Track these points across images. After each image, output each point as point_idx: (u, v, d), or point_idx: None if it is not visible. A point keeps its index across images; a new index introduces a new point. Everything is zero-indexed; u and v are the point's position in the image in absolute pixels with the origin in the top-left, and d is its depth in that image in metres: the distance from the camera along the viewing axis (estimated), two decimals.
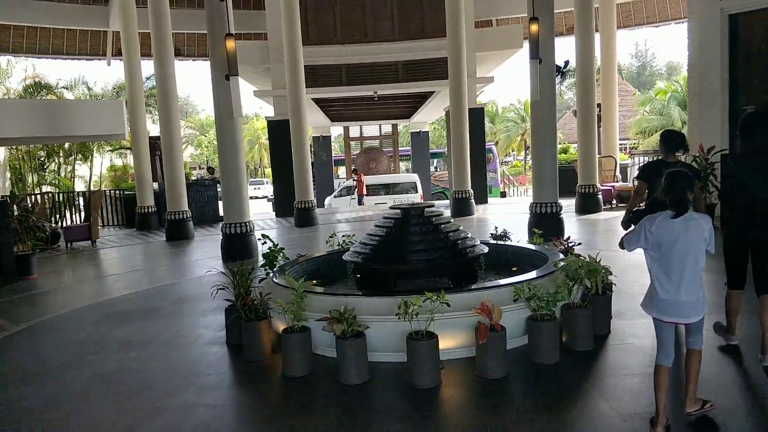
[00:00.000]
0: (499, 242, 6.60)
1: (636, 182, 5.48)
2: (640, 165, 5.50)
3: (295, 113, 13.78)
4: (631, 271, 6.61)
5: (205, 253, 10.75)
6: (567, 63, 9.74)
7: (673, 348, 3.24)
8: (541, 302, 4.28)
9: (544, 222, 9.48)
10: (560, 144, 29.88)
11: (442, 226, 5.59)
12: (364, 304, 4.44)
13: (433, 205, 5.82)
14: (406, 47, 16.15)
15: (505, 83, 78.06)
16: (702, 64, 11.15)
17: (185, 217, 13.09)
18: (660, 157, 5.24)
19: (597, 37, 14.51)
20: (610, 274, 4.97)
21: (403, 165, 30.88)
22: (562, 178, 15.72)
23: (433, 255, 5.26)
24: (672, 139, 5.03)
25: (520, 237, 7.21)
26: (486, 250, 5.62)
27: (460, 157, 14.11)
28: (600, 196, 13.16)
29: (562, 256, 5.44)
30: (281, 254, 6.06)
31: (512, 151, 43.21)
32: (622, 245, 3.42)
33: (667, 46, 73.59)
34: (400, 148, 30.42)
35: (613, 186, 13.99)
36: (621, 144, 29.36)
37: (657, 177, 4.86)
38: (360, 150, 28.59)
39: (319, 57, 15.96)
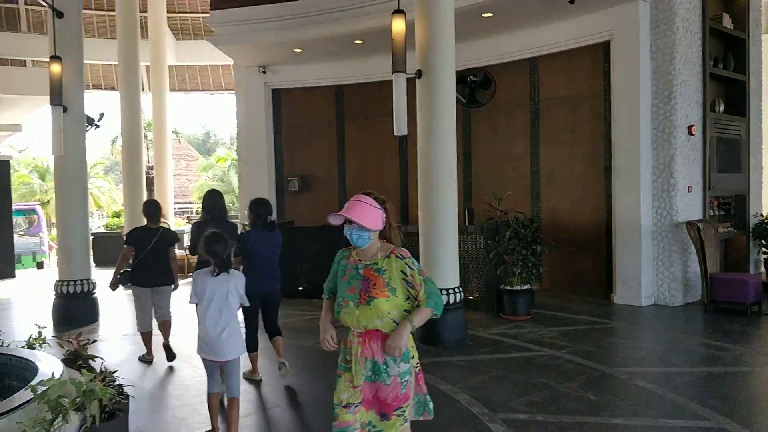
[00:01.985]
0: None
1: (125, 247, 5.87)
2: (127, 232, 6.42)
3: None
4: (160, 366, 5.56)
5: None
6: (102, 116, 8.37)
7: (219, 379, 3.83)
8: None
9: (75, 305, 7.83)
10: (114, 208, 27.81)
11: None
12: None
13: None
14: None
15: None
16: (249, 134, 11.36)
17: None
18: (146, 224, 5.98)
19: (148, 96, 13.59)
20: (123, 389, 3.76)
21: None
22: (111, 245, 14.00)
23: None
24: (150, 208, 5.94)
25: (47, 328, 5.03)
26: None
27: None
28: None
29: (61, 367, 3.99)
30: None
31: None
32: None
33: (230, 115, 79.45)
34: None
35: None
36: (185, 208, 29.09)
37: (140, 243, 5.75)
38: None
39: None
